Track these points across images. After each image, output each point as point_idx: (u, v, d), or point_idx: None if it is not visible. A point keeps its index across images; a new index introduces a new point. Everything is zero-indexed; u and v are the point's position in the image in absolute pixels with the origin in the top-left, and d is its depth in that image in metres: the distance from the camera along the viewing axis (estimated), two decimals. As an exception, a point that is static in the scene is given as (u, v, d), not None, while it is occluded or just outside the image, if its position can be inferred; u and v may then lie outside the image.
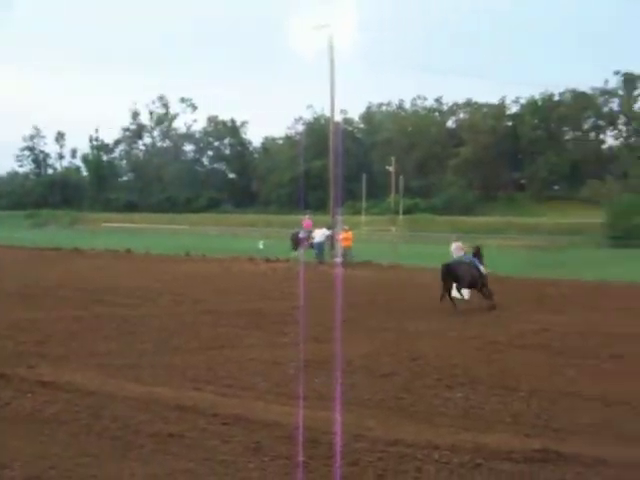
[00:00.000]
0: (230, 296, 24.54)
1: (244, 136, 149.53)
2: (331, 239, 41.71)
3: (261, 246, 42.42)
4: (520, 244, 65.63)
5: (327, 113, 56.85)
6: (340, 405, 10.30)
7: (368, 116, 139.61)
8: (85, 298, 22.85)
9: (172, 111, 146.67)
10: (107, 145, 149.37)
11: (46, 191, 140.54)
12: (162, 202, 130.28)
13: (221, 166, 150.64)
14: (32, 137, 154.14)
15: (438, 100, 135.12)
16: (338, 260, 38.44)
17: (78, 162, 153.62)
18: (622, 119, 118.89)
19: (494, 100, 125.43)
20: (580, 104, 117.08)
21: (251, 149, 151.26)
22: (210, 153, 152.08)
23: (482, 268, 23.37)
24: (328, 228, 42.20)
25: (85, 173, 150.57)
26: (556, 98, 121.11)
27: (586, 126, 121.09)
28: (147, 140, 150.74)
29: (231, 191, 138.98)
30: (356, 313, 20.01)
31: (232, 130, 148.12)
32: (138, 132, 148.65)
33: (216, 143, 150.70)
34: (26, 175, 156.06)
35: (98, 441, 9.02)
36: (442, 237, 73.13)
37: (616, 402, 11.04)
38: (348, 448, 8.64)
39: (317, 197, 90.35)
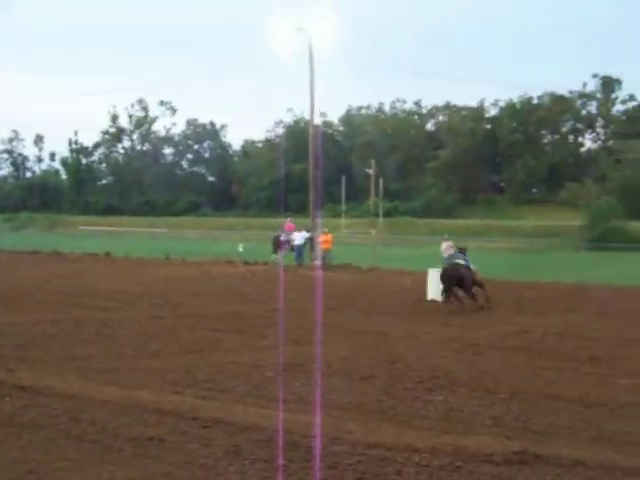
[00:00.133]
0: (209, 299, 24.53)
1: (224, 139, 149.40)
2: (311, 241, 41.72)
3: (241, 249, 42.27)
4: (499, 247, 65.78)
5: (307, 116, 56.68)
6: (320, 408, 10.30)
7: (348, 119, 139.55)
8: (64, 302, 22.79)
9: (151, 114, 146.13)
10: (86, 148, 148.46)
11: (25, 194, 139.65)
12: (141, 205, 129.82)
13: (200, 169, 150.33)
14: (11, 140, 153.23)
15: (417, 103, 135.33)
16: (318, 263, 38.44)
17: (57, 165, 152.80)
18: (600, 122, 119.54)
19: (473, 103, 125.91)
20: (558, 107, 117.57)
21: (231, 152, 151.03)
22: (189, 156, 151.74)
23: (473, 267, 23.67)
24: (308, 231, 42.22)
25: (64, 176, 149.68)
26: (534, 101, 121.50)
27: (564, 129, 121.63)
28: (126, 143, 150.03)
29: (211, 194, 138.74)
30: (336, 316, 20.02)
31: (212, 133, 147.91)
32: (117, 135, 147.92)
33: (195, 146, 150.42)
34: (4, 178, 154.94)
35: (77, 445, 8.98)
36: (421, 240, 73.34)
37: (594, 404, 11.10)
38: (327, 451, 8.63)
39: (297, 200, 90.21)
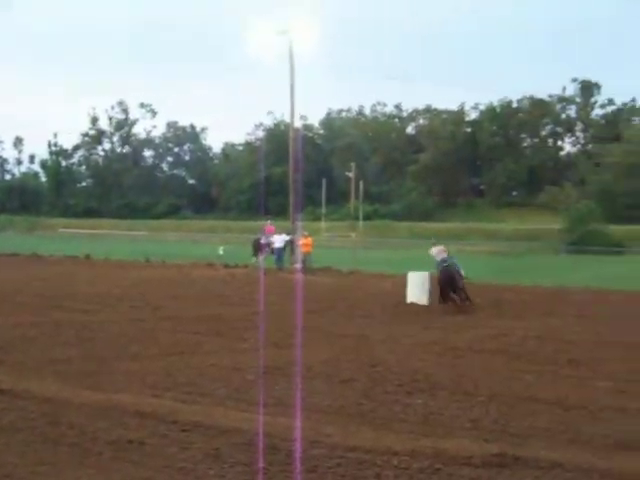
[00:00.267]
0: (190, 302, 24.47)
1: (204, 142, 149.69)
2: (291, 245, 41.72)
3: (221, 252, 42.23)
4: (479, 250, 66.02)
5: (287, 119, 56.97)
6: (300, 411, 10.29)
7: (328, 122, 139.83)
8: (43, 304, 22.67)
9: (131, 116, 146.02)
10: (66, 151, 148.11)
11: (4, 197, 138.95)
12: (121, 208, 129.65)
13: (181, 172, 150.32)
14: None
15: (398, 106, 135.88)
16: (298, 266, 38.46)
17: (36, 168, 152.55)
18: (579, 126, 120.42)
19: (453, 106, 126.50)
20: (538, 111, 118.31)
21: (211, 155, 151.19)
22: (170, 159, 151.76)
23: (462, 271, 23.98)
24: (288, 234, 42.24)
25: (44, 179, 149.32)
26: (514, 105, 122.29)
27: (544, 133, 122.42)
28: (106, 146, 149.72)
29: (191, 197, 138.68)
30: (316, 319, 20.02)
31: (192, 136, 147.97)
32: (97, 138, 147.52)
33: (176, 149, 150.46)
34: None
35: (55, 449, 8.92)
36: (401, 243, 73.61)
37: (573, 407, 11.13)
38: (307, 454, 8.62)
39: (277, 203, 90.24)
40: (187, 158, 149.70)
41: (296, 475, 8.06)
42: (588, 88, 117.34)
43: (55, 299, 23.97)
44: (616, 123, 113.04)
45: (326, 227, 70.98)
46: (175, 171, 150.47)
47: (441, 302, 23.49)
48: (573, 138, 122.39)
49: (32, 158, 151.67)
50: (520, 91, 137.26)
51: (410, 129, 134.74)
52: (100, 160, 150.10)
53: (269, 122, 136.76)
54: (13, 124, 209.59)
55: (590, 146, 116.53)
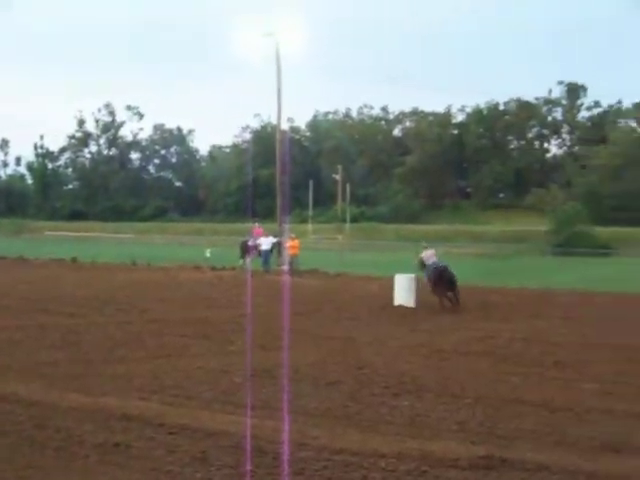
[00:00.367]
0: (176, 305, 24.44)
1: (191, 144, 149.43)
2: (278, 247, 41.74)
3: (208, 254, 42.24)
4: (466, 252, 66.04)
5: (274, 121, 56.77)
6: (286, 414, 10.30)
7: (315, 124, 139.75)
8: (29, 307, 22.62)
9: (118, 119, 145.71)
10: (52, 153, 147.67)
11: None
12: (108, 211, 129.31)
13: (167, 174, 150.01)
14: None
15: (384, 109, 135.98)
16: (285, 268, 38.49)
17: (23, 170, 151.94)
18: (566, 128, 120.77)
19: (440, 109, 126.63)
20: (524, 113, 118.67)
21: (198, 157, 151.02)
22: (156, 161, 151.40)
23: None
24: (275, 236, 42.25)
25: (30, 181, 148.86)
26: (501, 107, 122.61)
27: (530, 135, 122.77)
28: (93, 148, 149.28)
29: (177, 199, 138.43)
30: (303, 321, 20.05)
31: (179, 138, 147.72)
32: (84, 140, 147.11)
33: (162, 151, 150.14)
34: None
35: (42, 452, 8.90)
36: (388, 245, 73.65)
37: (559, 409, 11.16)
38: (294, 457, 8.62)
39: (265, 205, 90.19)
40: (174, 160, 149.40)
41: (283, 478, 8.07)
42: (574, 90, 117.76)
43: (41, 302, 23.90)
44: (602, 125, 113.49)
45: (313, 229, 70.87)
46: (162, 173, 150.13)
47: (441, 301, 23.82)
48: (559, 140, 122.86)
49: (18, 160, 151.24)
50: (507, 93, 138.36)
51: (397, 131, 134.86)
52: (87, 162, 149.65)
53: (256, 124, 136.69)
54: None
55: (576, 148, 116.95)
